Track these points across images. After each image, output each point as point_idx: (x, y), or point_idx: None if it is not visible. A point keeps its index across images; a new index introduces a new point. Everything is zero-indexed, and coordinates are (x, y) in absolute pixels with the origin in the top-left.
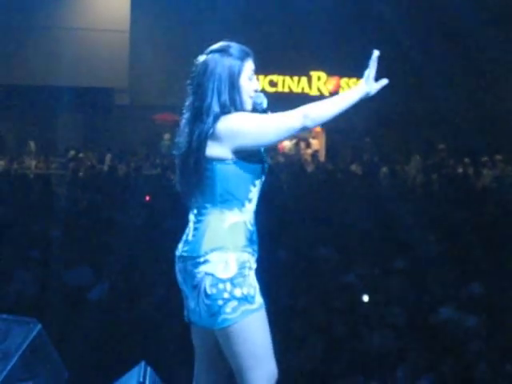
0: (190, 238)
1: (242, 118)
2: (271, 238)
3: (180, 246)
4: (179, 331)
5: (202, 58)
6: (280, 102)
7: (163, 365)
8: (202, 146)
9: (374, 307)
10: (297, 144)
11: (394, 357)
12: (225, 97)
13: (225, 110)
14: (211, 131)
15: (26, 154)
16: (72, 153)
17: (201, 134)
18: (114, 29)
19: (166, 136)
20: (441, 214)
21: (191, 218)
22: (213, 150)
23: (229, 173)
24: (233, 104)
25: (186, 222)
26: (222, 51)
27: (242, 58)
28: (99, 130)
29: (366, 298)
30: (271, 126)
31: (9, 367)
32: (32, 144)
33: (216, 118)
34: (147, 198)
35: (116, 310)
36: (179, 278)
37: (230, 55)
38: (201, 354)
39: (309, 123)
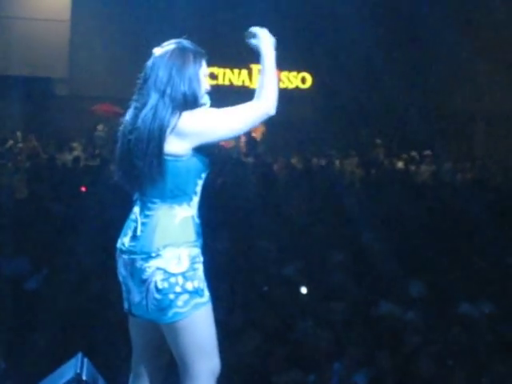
0: (138, 233)
1: (209, 114)
2: (210, 230)
3: (125, 240)
4: (116, 323)
5: (161, 50)
6: (220, 95)
7: (100, 356)
8: (161, 140)
9: (312, 300)
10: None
11: (332, 350)
12: (189, 87)
13: (187, 103)
14: (173, 126)
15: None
16: (10, 143)
17: (162, 127)
18: (54, 18)
19: (100, 127)
20: (380, 209)
21: (136, 211)
22: (172, 145)
23: (181, 169)
24: (193, 96)
25: (125, 214)
26: (183, 45)
27: (202, 55)
28: (38, 120)
29: (304, 290)
30: (239, 120)
31: None
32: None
33: (178, 111)
34: (83, 189)
35: (53, 300)
36: (123, 271)
37: (191, 50)
38: (139, 346)
39: (271, 109)
